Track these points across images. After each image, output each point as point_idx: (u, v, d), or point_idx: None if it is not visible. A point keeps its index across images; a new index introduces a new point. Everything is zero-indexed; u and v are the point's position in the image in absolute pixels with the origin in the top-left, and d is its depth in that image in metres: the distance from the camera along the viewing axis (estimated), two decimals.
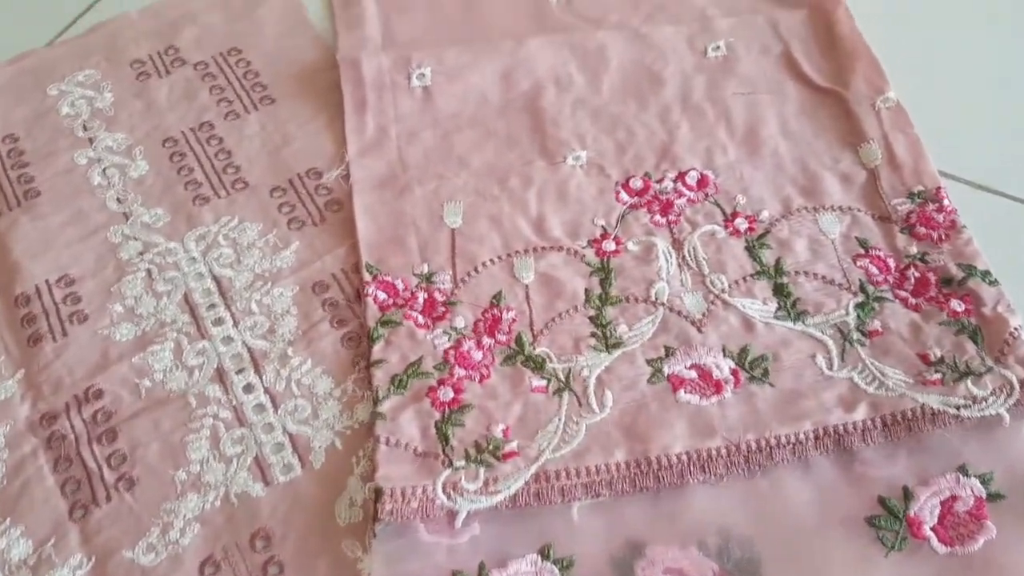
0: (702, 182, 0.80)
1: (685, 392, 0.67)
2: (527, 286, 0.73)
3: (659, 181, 0.80)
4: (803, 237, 0.76)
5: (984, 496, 0.61)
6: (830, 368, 0.68)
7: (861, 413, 0.64)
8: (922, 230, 0.75)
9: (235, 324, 0.71)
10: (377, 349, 0.69)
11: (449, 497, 0.61)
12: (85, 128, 0.85)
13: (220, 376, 0.68)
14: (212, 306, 0.72)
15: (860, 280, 0.72)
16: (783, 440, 0.64)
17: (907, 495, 0.61)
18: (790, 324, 0.70)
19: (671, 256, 0.75)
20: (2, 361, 0.69)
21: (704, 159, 0.82)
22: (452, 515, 0.60)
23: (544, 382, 0.68)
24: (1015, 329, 0.67)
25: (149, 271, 0.74)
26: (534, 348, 0.70)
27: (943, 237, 0.74)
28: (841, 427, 0.64)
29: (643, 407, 0.66)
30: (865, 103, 0.84)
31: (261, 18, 0.96)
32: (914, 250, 0.74)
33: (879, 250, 0.74)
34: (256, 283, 0.73)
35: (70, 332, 0.70)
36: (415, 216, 0.78)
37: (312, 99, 0.87)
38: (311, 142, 0.83)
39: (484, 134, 0.84)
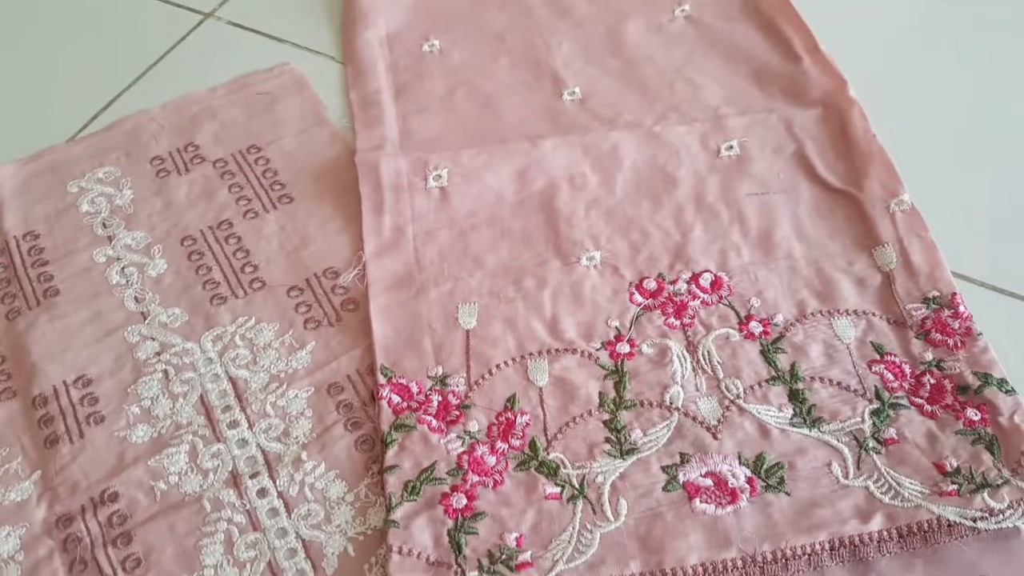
0: (716, 284, 0.85)
1: (701, 501, 0.70)
2: (541, 389, 0.78)
3: (673, 282, 0.85)
4: (818, 342, 0.80)
5: None
6: (846, 477, 0.71)
7: (877, 523, 0.68)
8: (937, 336, 0.79)
9: (250, 426, 0.75)
10: (391, 455, 0.73)
11: None
12: (105, 226, 0.91)
13: (235, 479, 0.72)
14: (227, 408, 0.77)
15: (876, 386, 0.77)
16: (799, 551, 0.67)
17: None
18: (806, 431, 0.74)
19: (686, 360, 0.79)
20: (20, 462, 0.74)
21: (718, 261, 0.87)
22: None
23: (558, 489, 0.72)
24: None
25: (166, 371, 0.79)
26: (548, 453, 0.74)
27: (959, 344, 0.79)
28: (857, 538, 0.67)
29: (658, 516, 0.70)
30: (880, 205, 0.89)
31: (280, 115, 1.03)
32: (929, 356, 0.78)
33: (894, 356, 0.79)
34: (271, 384, 0.78)
35: (87, 434, 0.75)
36: (430, 318, 0.83)
37: (330, 198, 0.93)
38: (329, 242, 0.89)
39: (499, 233, 0.90)
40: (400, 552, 0.67)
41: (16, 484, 0.73)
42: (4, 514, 0.71)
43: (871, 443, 0.73)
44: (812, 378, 0.77)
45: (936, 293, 0.82)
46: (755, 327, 0.81)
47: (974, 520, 0.67)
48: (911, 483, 0.70)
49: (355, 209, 0.91)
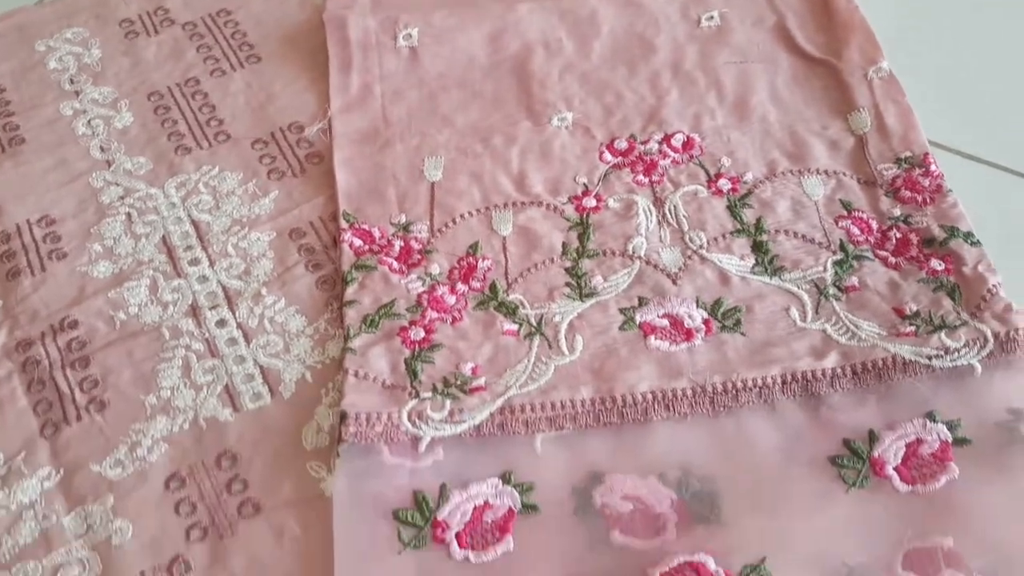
0: (688, 144, 0.88)
1: (656, 338, 0.74)
2: (504, 238, 0.82)
3: (644, 143, 0.89)
4: (786, 198, 0.84)
5: (950, 440, 0.68)
6: (803, 320, 0.75)
7: (831, 361, 0.72)
8: (907, 194, 0.83)
9: (211, 264, 0.80)
10: (350, 291, 0.78)
11: (414, 424, 0.69)
12: (72, 82, 0.95)
13: (194, 311, 0.77)
14: (189, 247, 0.81)
15: (841, 240, 0.80)
16: (750, 383, 0.71)
17: (872, 437, 0.68)
18: (767, 279, 0.78)
19: (651, 213, 0.83)
20: None
21: (692, 123, 0.90)
22: (416, 440, 0.68)
23: (516, 326, 0.76)
24: (993, 286, 0.75)
25: (129, 214, 0.83)
26: (507, 295, 0.78)
27: (928, 200, 0.82)
28: (810, 373, 0.71)
29: (613, 352, 0.74)
30: (858, 73, 0.92)
31: None
32: (897, 212, 0.82)
33: (862, 212, 0.82)
34: (233, 228, 0.82)
35: (48, 268, 0.80)
36: (395, 170, 0.87)
37: (298, 59, 0.97)
38: (295, 99, 0.93)
39: (470, 95, 0.93)
40: (356, 375, 0.72)
41: None
42: None
43: (832, 290, 0.76)
44: (777, 231, 0.81)
45: (908, 154, 0.86)
46: (724, 184, 0.85)
47: (929, 358, 0.71)
48: (869, 325, 0.74)
49: (323, 70, 0.95)
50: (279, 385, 0.72)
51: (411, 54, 0.97)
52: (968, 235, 0.79)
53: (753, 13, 1.00)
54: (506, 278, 0.79)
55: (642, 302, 0.77)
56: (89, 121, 0.91)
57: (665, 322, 0.75)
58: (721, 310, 0.76)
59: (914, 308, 0.75)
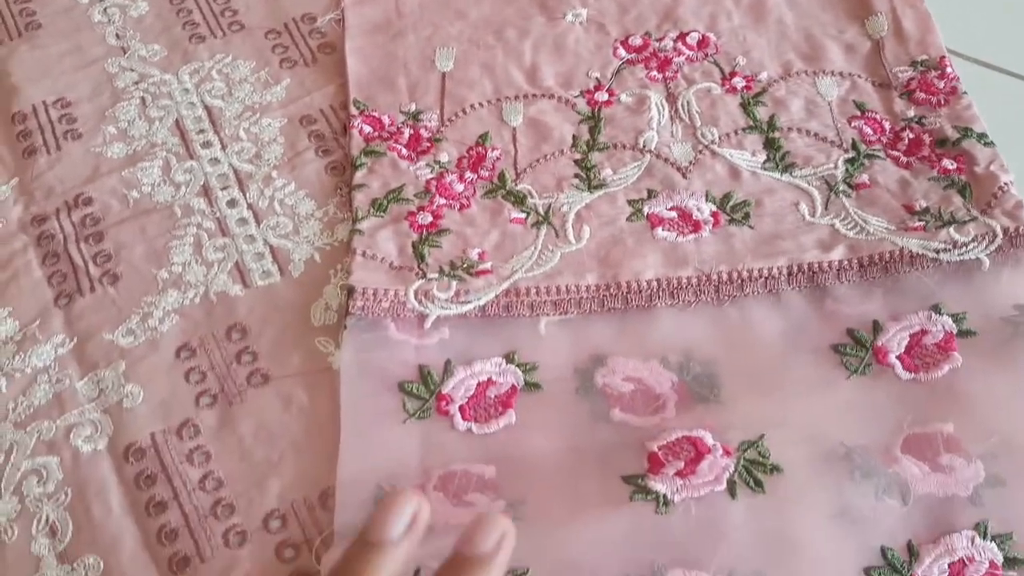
0: (703, 43, 0.87)
1: (663, 230, 0.74)
2: (514, 129, 0.81)
3: (659, 40, 0.87)
4: (800, 98, 0.82)
5: (955, 332, 0.67)
6: (812, 215, 0.74)
7: (838, 254, 0.71)
8: (921, 95, 0.81)
9: (223, 148, 0.79)
10: (359, 175, 0.77)
11: (420, 303, 0.69)
12: None
13: (206, 191, 0.77)
14: (201, 131, 0.81)
15: (853, 139, 0.79)
16: (756, 273, 0.70)
17: (876, 328, 0.68)
18: (777, 175, 0.77)
19: (663, 108, 0.82)
20: None
21: (708, 23, 0.88)
22: (422, 318, 0.68)
23: (523, 215, 0.75)
24: (1005, 184, 0.73)
25: (143, 99, 0.83)
26: (516, 184, 0.77)
27: (943, 102, 0.80)
28: (816, 264, 0.70)
29: (619, 241, 0.73)
30: None
31: None
32: (911, 113, 0.80)
33: (876, 113, 0.81)
34: (245, 113, 0.82)
35: (64, 147, 0.80)
36: (406, 59, 0.86)
37: None
38: None
39: None
40: (364, 255, 0.71)
41: None
42: None
43: (842, 187, 0.75)
44: (790, 129, 0.80)
45: (925, 57, 0.84)
46: (738, 82, 0.83)
47: (937, 251, 0.70)
48: (877, 220, 0.73)
49: None
50: (288, 265, 0.72)
51: None
52: (982, 136, 0.77)
53: None
54: (515, 168, 0.78)
55: (651, 194, 0.76)
56: (105, 9, 0.90)
57: (673, 214, 0.75)
58: (730, 203, 0.75)
59: (924, 204, 0.73)
